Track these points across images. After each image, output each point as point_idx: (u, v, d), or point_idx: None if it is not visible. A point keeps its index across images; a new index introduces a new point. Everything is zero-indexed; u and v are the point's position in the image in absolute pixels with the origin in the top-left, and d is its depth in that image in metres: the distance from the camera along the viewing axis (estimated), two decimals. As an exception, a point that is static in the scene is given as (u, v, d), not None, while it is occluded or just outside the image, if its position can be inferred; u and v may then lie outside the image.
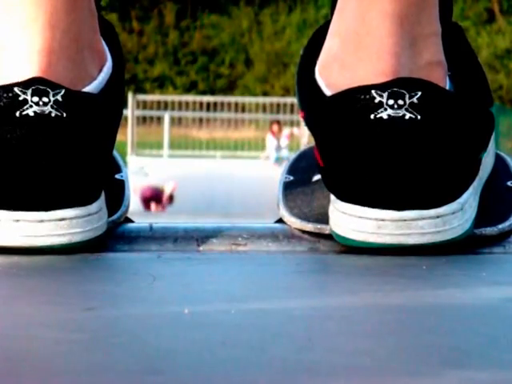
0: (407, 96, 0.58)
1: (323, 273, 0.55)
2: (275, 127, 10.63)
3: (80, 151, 0.58)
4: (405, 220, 0.59)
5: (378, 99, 0.58)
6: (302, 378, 0.27)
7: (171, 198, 9.31)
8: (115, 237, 0.62)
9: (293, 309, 0.39)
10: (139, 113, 11.64)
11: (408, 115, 0.58)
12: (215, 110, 12.13)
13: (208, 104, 12.34)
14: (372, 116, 0.58)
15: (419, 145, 0.58)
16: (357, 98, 0.58)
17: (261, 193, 9.79)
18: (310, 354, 0.30)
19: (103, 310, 0.39)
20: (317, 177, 0.70)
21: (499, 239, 0.63)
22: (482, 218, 0.64)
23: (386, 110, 0.58)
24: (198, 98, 13.00)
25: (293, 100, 11.40)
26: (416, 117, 0.58)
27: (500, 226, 0.64)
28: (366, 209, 0.59)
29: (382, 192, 0.59)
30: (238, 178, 9.97)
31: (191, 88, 18.78)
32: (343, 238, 0.60)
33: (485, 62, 17.24)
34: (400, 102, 0.58)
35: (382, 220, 0.59)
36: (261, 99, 12.60)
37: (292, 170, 0.73)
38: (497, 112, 11.58)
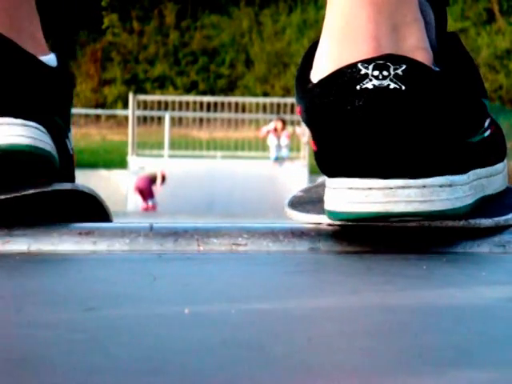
0: (392, 68, 0.60)
1: (323, 273, 0.55)
2: (279, 124, 10.63)
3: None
4: (391, 188, 0.60)
5: (363, 71, 0.60)
6: (301, 378, 0.27)
7: (163, 179, 9.73)
8: (115, 237, 0.62)
9: (293, 309, 0.39)
10: (139, 113, 11.64)
11: (392, 85, 0.59)
12: (215, 110, 12.12)
13: (208, 104, 12.33)
14: (358, 87, 0.59)
15: (403, 114, 0.59)
16: (344, 72, 0.60)
17: (261, 192, 9.79)
18: (310, 354, 0.30)
19: (103, 310, 0.39)
20: (320, 179, 0.71)
21: (499, 239, 0.63)
22: (478, 213, 0.65)
23: (370, 80, 0.59)
24: (199, 98, 13.00)
25: (293, 100, 11.38)
26: (400, 87, 0.59)
27: (496, 219, 0.65)
28: (353, 179, 0.60)
29: (369, 161, 0.60)
30: (238, 178, 9.97)
31: (191, 88, 18.79)
32: (334, 213, 0.61)
33: (485, 62, 17.25)
34: (385, 73, 0.59)
35: (369, 189, 0.60)
36: (261, 99, 12.61)
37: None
38: (497, 112, 11.57)
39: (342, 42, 0.62)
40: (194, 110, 12.50)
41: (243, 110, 11.90)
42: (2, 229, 0.63)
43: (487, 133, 0.69)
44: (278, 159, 10.55)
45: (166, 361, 0.29)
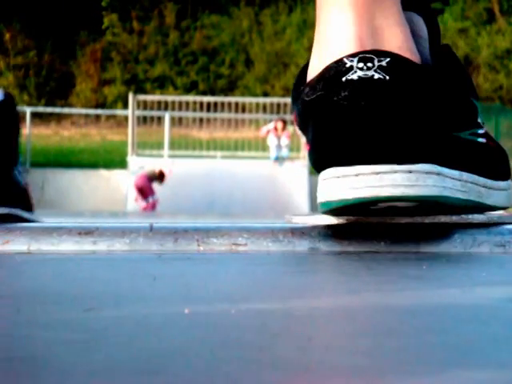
0: (376, 60, 0.62)
1: (323, 273, 0.55)
2: (280, 124, 10.64)
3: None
4: (378, 173, 0.61)
5: (348, 64, 0.62)
6: (302, 378, 0.27)
7: (163, 176, 9.81)
8: (115, 237, 0.62)
9: (293, 309, 0.39)
10: (139, 113, 11.64)
11: (377, 75, 0.61)
12: (215, 110, 12.12)
13: (208, 104, 12.34)
14: (343, 79, 0.62)
15: (387, 103, 0.61)
16: (330, 67, 0.63)
17: (261, 192, 9.79)
18: (310, 354, 0.30)
19: (103, 310, 0.39)
20: None
21: (499, 239, 0.63)
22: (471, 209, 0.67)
23: (356, 72, 0.62)
24: (199, 98, 13.00)
25: (293, 100, 11.39)
26: (384, 77, 0.61)
27: (489, 215, 0.66)
28: (341, 168, 0.62)
29: (356, 149, 0.62)
30: (238, 178, 9.97)
31: (191, 88, 18.78)
32: (325, 203, 0.63)
33: (485, 62, 17.24)
34: (369, 64, 0.62)
35: (356, 175, 0.61)
36: (261, 99, 12.60)
37: None
38: (497, 112, 11.57)
39: (328, 45, 0.65)
40: (194, 110, 12.50)
41: (243, 110, 11.90)
42: (2, 229, 0.63)
43: (481, 139, 0.70)
44: (278, 159, 10.55)
45: (166, 361, 0.29)
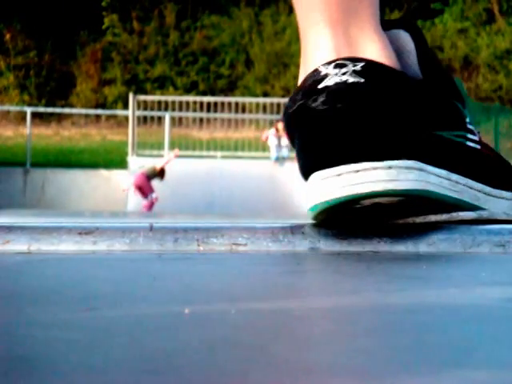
0: (351, 65, 0.64)
1: (323, 273, 0.55)
2: (280, 125, 10.66)
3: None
4: (358, 171, 0.62)
5: (324, 71, 0.64)
6: (302, 378, 0.27)
7: (163, 173, 9.76)
8: (115, 237, 0.62)
9: (293, 309, 0.39)
10: (140, 113, 11.64)
11: (352, 79, 0.63)
12: (215, 110, 12.12)
13: (208, 104, 12.34)
14: (320, 86, 0.64)
15: (363, 104, 0.63)
16: (307, 77, 0.65)
17: (261, 192, 9.79)
18: (310, 354, 0.30)
19: (103, 310, 0.39)
20: None
21: (499, 239, 0.63)
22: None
23: (331, 78, 0.64)
24: (199, 99, 13.00)
25: (293, 100, 11.39)
26: (359, 80, 0.63)
27: (479, 212, 0.66)
28: (324, 171, 0.64)
29: (336, 150, 0.63)
30: (238, 178, 9.97)
31: (192, 88, 18.78)
32: (311, 208, 0.64)
33: (485, 62, 17.24)
34: (344, 69, 0.64)
35: (339, 175, 0.63)
36: (261, 100, 12.61)
37: None
38: (496, 112, 11.57)
39: (308, 60, 0.68)
40: (194, 110, 12.49)
41: (243, 111, 11.90)
42: (2, 229, 0.63)
43: (472, 144, 0.71)
44: (279, 159, 10.55)
45: (165, 361, 0.29)
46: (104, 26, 19.33)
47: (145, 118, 11.97)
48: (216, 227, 0.63)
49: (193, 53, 19.44)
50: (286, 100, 11.49)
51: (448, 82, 0.70)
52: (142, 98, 12.32)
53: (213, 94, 17.04)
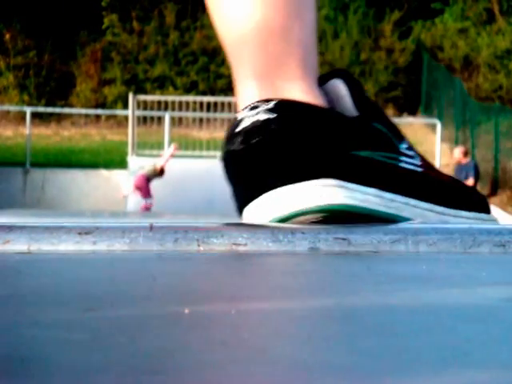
0: (264, 105, 0.70)
1: (323, 273, 0.55)
2: None
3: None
4: (276, 197, 0.68)
5: (240, 116, 0.70)
6: (302, 378, 0.27)
7: (162, 171, 9.78)
8: (115, 237, 0.62)
9: (293, 309, 0.39)
10: (139, 113, 11.64)
11: (265, 116, 0.69)
12: (215, 110, 12.12)
13: (208, 104, 12.33)
14: (237, 129, 0.70)
15: (277, 135, 0.68)
16: (229, 126, 0.72)
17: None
18: (310, 354, 0.30)
19: (103, 310, 0.39)
20: None
21: (499, 239, 0.63)
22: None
23: (246, 120, 0.70)
24: (199, 99, 13.00)
25: (293, 100, 11.39)
26: (271, 116, 0.69)
27: (466, 213, 0.70)
28: (250, 204, 0.69)
29: (256, 182, 0.69)
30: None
31: (191, 88, 18.78)
32: None
33: (485, 62, 17.23)
34: (257, 109, 0.70)
35: (261, 204, 0.69)
36: (261, 99, 12.56)
37: None
38: (497, 112, 11.57)
39: (239, 105, 0.73)
40: (194, 110, 12.49)
41: (243, 110, 11.87)
42: (2, 229, 0.63)
43: (409, 166, 0.75)
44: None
45: (165, 361, 0.29)
46: (104, 26, 19.32)
47: (145, 117, 11.97)
48: (216, 227, 0.64)
49: (193, 53, 19.44)
50: (285, 100, 11.50)
51: (380, 116, 0.75)
52: (141, 97, 12.32)
53: (213, 93, 17.03)
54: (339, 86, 0.75)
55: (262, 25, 0.72)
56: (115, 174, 11.11)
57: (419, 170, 0.75)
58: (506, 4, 18.28)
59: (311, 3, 0.75)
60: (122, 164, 11.28)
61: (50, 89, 18.93)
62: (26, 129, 11.88)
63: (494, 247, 0.62)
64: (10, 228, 0.63)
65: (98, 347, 0.31)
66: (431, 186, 0.75)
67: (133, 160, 10.70)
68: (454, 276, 0.52)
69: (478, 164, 10.30)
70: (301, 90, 0.71)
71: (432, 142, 12.25)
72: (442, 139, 11.87)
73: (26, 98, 18.22)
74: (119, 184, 10.61)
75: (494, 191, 10.74)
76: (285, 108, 0.69)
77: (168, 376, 0.27)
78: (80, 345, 0.31)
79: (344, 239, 0.63)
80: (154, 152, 11.40)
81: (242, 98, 0.73)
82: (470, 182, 9.61)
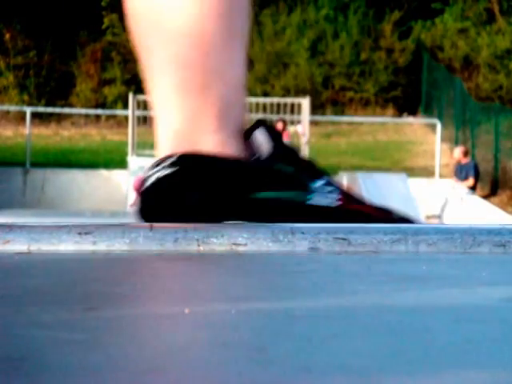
0: (168, 160, 0.75)
1: (323, 273, 0.55)
2: (280, 125, 10.67)
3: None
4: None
5: (148, 174, 0.76)
6: (302, 378, 0.27)
7: None
8: (115, 237, 0.62)
9: (293, 309, 0.39)
10: (139, 113, 11.64)
11: (169, 170, 0.74)
12: (215, 110, 12.09)
13: (208, 104, 12.30)
14: (143, 188, 0.75)
15: (177, 185, 0.73)
16: (139, 184, 0.76)
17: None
18: (310, 354, 0.30)
19: (103, 310, 0.39)
20: None
21: (499, 239, 0.63)
22: None
23: (151, 177, 0.75)
24: (198, 98, 12.96)
25: (293, 100, 11.40)
26: (172, 170, 0.74)
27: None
28: None
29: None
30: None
31: (191, 88, 18.75)
32: None
33: (485, 62, 17.24)
34: (162, 165, 0.75)
35: None
36: (261, 99, 12.60)
37: None
38: (497, 112, 11.57)
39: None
40: (194, 110, 12.45)
41: (243, 110, 11.88)
42: (2, 229, 0.63)
43: (322, 202, 0.77)
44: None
45: (166, 361, 0.29)
46: (104, 26, 19.33)
47: (145, 117, 11.96)
48: (216, 227, 0.64)
49: (193, 53, 19.41)
50: (286, 100, 11.50)
51: (288, 158, 0.79)
52: (141, 97, 12.31)
53: (213, 93, 17.01)
54: (260, 137, 0.80)
55: (181, 83, 0.77)
56: (115, 174, 11.11)
57: (334, 204, 0.77)
58: (506, 4, 18.28)
59: (238, 59, 0.78)
60: (121, 164, 11.27)
61: (50, 89, 18.94)
62: (26, 129, 11.88)
63: (494, 247, 0.62)
64: (9, 228, 0.63)
65: (98, 347, 0.31)
66: (343, 219, 0.77)
67: (133, 160, 10.69)
68: (454, 276, 0.52)
69: (478, 164, 10.30)
70: (214, 143, 0.76)
71: (432, 141, 12.25)
72: (442, 139, 11.87)
73: (25, 97, 18.22)
74: (119, 184, 10.61)
75: (494, 191, 10.74)
76: (185, 161, 0.74)
77: (168, 376, 0.27)
78: (80, 345, 0.31)
79: (344, 239, 0.63)
80: (154, 152, 11.38)
81: (161, 152, 0.78)
82: (470, 181, 9.61)
